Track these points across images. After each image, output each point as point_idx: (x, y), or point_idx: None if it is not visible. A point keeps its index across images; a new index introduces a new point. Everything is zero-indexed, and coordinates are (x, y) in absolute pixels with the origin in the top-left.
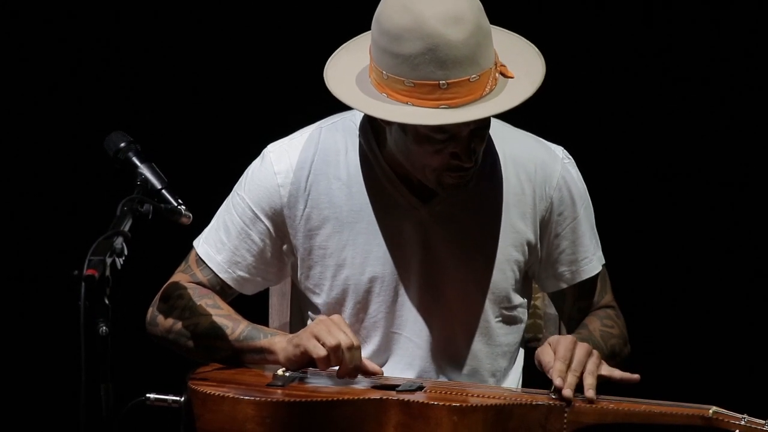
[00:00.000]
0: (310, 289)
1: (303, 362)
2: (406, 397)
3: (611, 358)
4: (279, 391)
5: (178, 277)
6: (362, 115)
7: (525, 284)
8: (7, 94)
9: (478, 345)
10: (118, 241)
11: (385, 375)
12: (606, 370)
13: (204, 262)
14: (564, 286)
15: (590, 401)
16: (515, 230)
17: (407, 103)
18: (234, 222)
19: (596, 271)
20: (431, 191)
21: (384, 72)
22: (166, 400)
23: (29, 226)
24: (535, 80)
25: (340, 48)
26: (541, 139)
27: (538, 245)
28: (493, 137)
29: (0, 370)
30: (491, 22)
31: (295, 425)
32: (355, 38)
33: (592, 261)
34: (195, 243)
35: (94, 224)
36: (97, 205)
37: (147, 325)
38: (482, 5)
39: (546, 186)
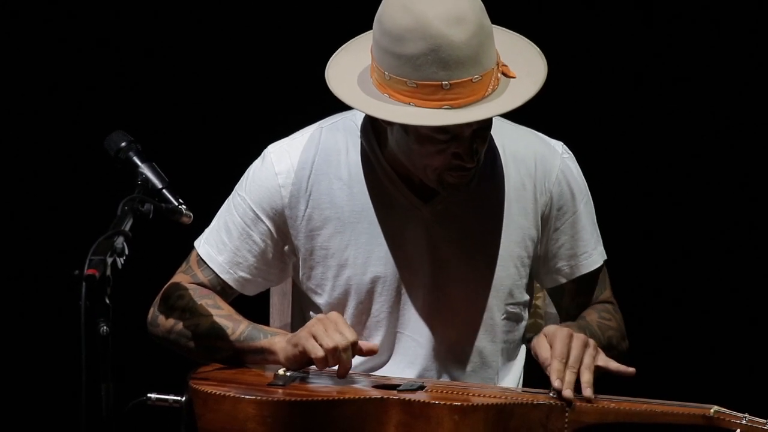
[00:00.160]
0: (312, 289)
1: (303, 362)
2: (407, 396)
3: (608, 350)
4: (280, 391)
5: (179, 277)
6: (362, 114)
7: (529, 280)
8: (7, 94)
9: (482, 342)
10: (119, 241)
11: (386, 375)
12: (602, 360)
13: (205, 263)
14: (563, 281)
15: (590, 400)
16: (518, 226)
17: (409, 104)
18: (235, 223)
19: (596, 266)
20: (432, 191)
21: (386, 73)
22: (167, 399)
23: (29, 226)
24: (537, 80)
25: (341, 48)
26: (540, 134)
27: (540, 240)
28: (492, 133)
29: (0, 370)
30: (492, 22)
31: (296, 425)
32: (356, 38)
33: (591, 256)
34: (196, 243)
35: (94, 224)
36: (97, 205)
37: (148, 326)
38: (483, 5)
39: (546, 181)
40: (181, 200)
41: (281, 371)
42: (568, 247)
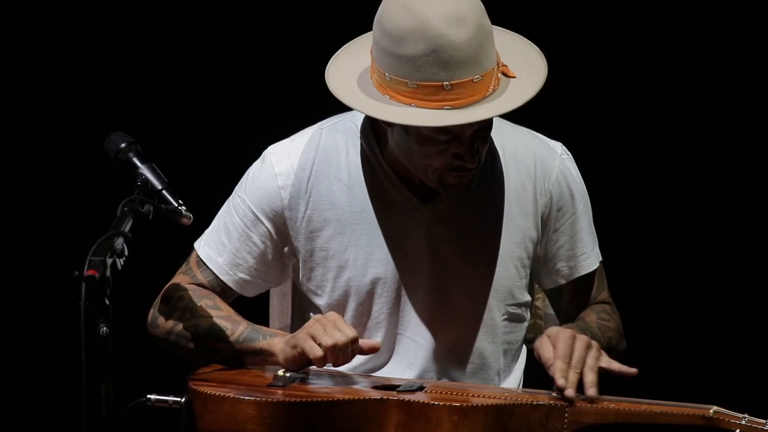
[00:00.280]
0: (312, 290)
1: (302, 362)
2: (407, 397)
3: (608, 351)
4: (279, 392)
5: (179, 278)
6: (362, 115)
7: (530, 281)
8: (7, 94)
9: (483, 343)
10: (119, 242)
11: (386, 376)
12: (605, 362)
13: (205, 264)
14: (562, 281)
15: (591, 401)
16: (518, 227)
17: (410, 105)
18: (235, 224)
19: (594, 267)
20: (433, 191)
21: (386, 73)
22: (166, 400)
23: (30, 227)
24: (537, 80)
25: (340, 49)
26: (539, 135)
27: (540, 241)
28: (492, 134)
29: (0, 370)
30: (492, 22)
31: (296, 425)
32: (355, 39)
33: (590, 257)
34: (196, 244)
35: (94, 225)
36: (97, 206)
37: (148, 327)
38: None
39: (545, 181)
40: (180, 201)
41: (281, 372)
42: (567, 247)
